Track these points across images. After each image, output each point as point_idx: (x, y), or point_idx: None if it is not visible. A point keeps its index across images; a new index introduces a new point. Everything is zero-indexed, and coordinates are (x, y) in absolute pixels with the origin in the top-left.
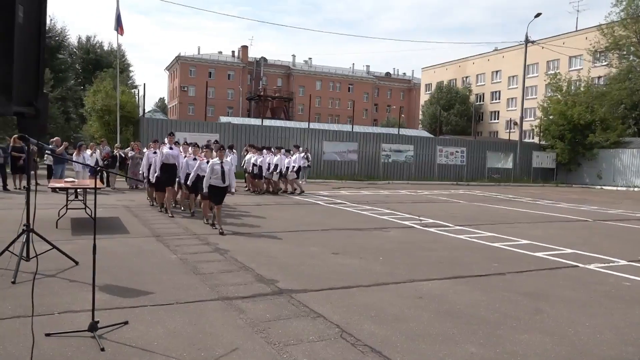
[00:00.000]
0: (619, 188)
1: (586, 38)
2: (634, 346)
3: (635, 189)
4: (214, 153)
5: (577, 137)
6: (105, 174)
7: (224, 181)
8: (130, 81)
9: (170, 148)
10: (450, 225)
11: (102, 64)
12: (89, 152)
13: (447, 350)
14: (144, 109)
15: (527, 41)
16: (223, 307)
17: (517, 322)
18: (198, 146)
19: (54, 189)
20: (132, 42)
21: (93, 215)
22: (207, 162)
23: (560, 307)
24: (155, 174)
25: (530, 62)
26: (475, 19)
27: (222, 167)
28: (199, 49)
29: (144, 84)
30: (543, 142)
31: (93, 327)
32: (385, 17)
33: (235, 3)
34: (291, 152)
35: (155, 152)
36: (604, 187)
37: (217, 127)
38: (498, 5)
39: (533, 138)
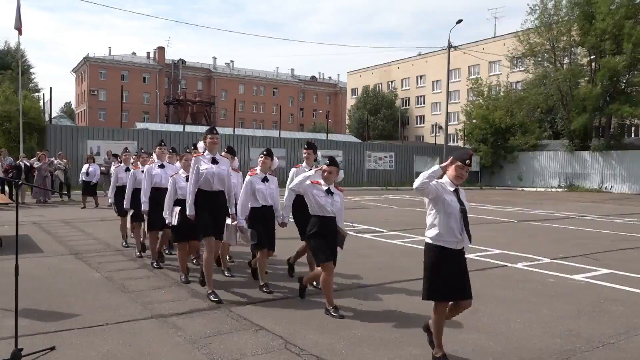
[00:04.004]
0: (538, 189)
1: (504, 44)
2: (560, 338)
3: (553, 190)
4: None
5: (499, 140)
6: (7, 188)
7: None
8: (33, 84)
9: (214, 161)
10: (383, 230)
11: None
12: None
13: (391, 353)
14: (50, 115)
15: (449, 46)
16: (158, 325)
17: (454, 322)
18: (272, 154)
19: None
20: (33, 40)
21: (15, 233)
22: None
23: (493, 305)
24: (174, 212)
25: (452, 67)
26: (400, 24)
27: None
28: (110, 50)
29: (50, 88)
30: (467, 146)
31: (16, 355)
32: (310, 19)
33: (150, 1)
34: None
35: (162, 166)
36: (524, 189)
37: (133, 134)
38: (423, 11)
39: (458, 142)
